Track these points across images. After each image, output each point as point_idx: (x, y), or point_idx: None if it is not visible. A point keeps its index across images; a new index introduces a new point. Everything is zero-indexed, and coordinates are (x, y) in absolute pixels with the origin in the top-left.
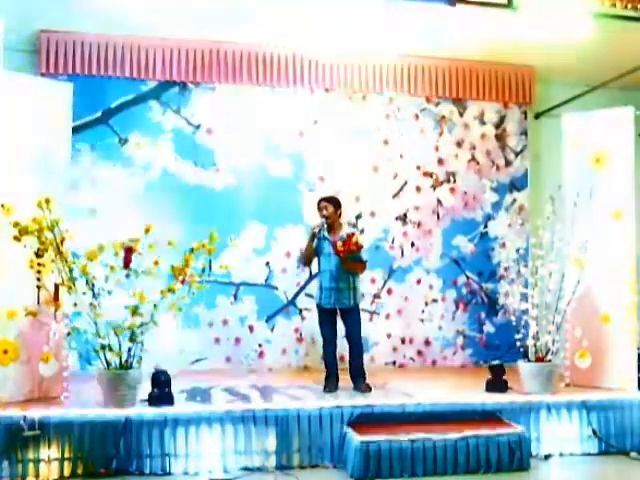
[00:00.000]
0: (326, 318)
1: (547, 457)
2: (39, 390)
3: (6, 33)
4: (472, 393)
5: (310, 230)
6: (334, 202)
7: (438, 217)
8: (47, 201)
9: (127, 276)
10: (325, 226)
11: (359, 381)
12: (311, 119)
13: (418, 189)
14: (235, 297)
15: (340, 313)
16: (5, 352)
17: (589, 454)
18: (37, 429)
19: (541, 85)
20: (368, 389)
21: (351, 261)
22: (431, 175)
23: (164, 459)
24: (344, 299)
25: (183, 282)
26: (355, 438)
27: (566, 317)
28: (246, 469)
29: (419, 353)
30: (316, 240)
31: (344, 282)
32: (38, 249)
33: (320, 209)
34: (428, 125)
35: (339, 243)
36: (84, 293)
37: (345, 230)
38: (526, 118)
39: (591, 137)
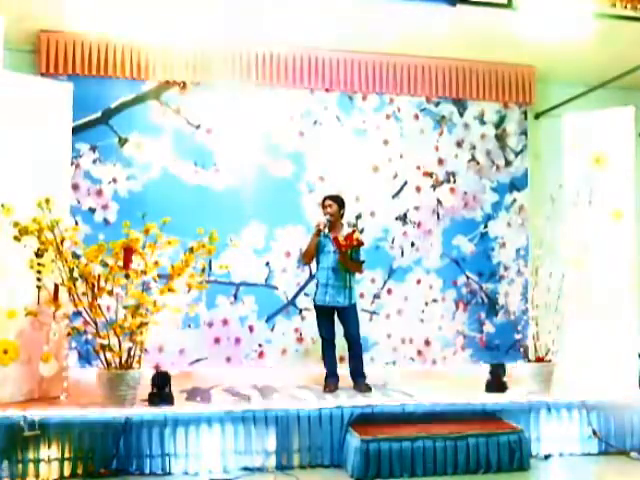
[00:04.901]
0: (323, 318)
1: (547, 457)
2: (39, 390)
3: (6, 33)
4: (472, 393)
5: (314, 227)
6: (339, 201)
7: (438, 217)
8: (47, 201)
9: (126, 276)
10: (328, 224)
11: (359, 381)
12: (311, 119)
13: (418, 189)
14: (235, 297)
15: (337, 313)
16: (5, 352)
17: (589, 454)
18: (37, 429)
19: (541, 85)
20: (368, 389)
21: (351, 260)
22: (431, 175)
23: (164, 459)
24: (340, 297)
25: (183, 282)
26: (355, 438)
27: (566, 317)
28: (246, 469)
29: (419, 353)
30: (312, 236)
31: (341, 280)
32: (38, 249)
33: (324, 207)
34: (428, 125)
35: (341, 238)
36: (84, 293)
37: (345, 230)
38: (526, 118)
39: (591, 137)
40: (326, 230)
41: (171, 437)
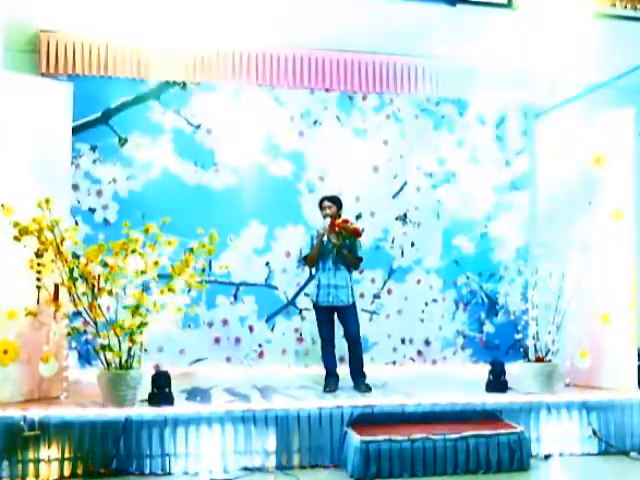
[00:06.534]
0: (324, 318)
1: (547, 457)
2: (39, 390)
3: (6, 33)
4: (472, 393)
5: (317, 232)
6: (337, 202)
7: (438, 217)
8: (47, 201)
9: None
10: (328, 228)
11: (359, 381)
12: (311, 119)
13: (418, 189)
14: (235, 297)
15: (337, 312)
16: (5, 352)
17: (589, 454)
18: (37, 429)
19: (541, 85)
20: (368, 389)
21: (349, 251)
22: (431, 175)
23: (164, 459)
24: (342, 297)
25: (183, 282)
26: (355, 438)
27: (566, 317)
28: (246, 469)
29: (419, 353)
30: (317, 239)
31: (342, 280)
32: (38, 249)
33: (323, 208)
34: (428, 125)
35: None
36: (84, 293)
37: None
38: (526, 118)
39: (591, 137)
40: (324, 223)
41: (171, 437)
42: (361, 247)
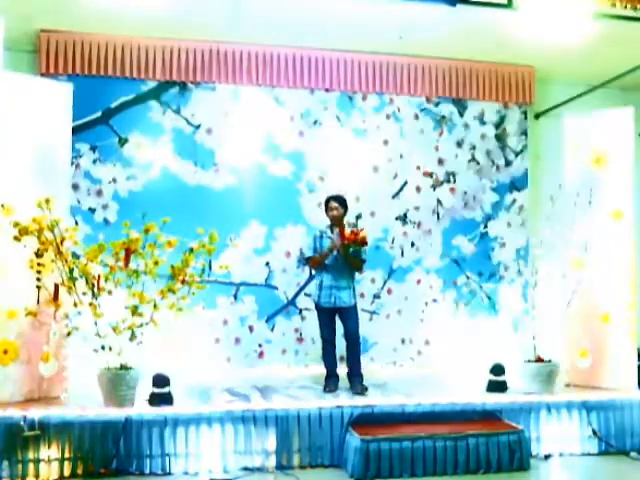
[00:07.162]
0: (325, 319)
1: (547, 457)
2: (39, 390)
3: (6, 33)
4: (472, 393)
5: (321, 233)
6: (344, 204)
7: (438, 217)
8: (47, 201)
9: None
10: (337, 231)
11: (356, 382)
12: (311, 119)
13: (418, 189)
14: (235, 297)
15: (339, 313)
16: (5, 352)
17: (589, 454)
18: (37, 429)
19: (541, 85)
20: (364, 390)
21: (353, 256)
22: (431, 175)
23: (164, 459)
24: (344, 298)
25: (183, 282)
26: (355, 438)
27: (566, 317)
28: (246, 469)
29: (419, 353)
30: (319, 240)
31: (345, 281)
32: (38, 249)
33: (330, 209)
34: (428, 125)
35: (347, 231)
36: (84, 293)
37: (347, 230)
38: (526, 118)
39: (591, 137)
40: (328, 231)
41: (171, 437)
42: (366, 252)
